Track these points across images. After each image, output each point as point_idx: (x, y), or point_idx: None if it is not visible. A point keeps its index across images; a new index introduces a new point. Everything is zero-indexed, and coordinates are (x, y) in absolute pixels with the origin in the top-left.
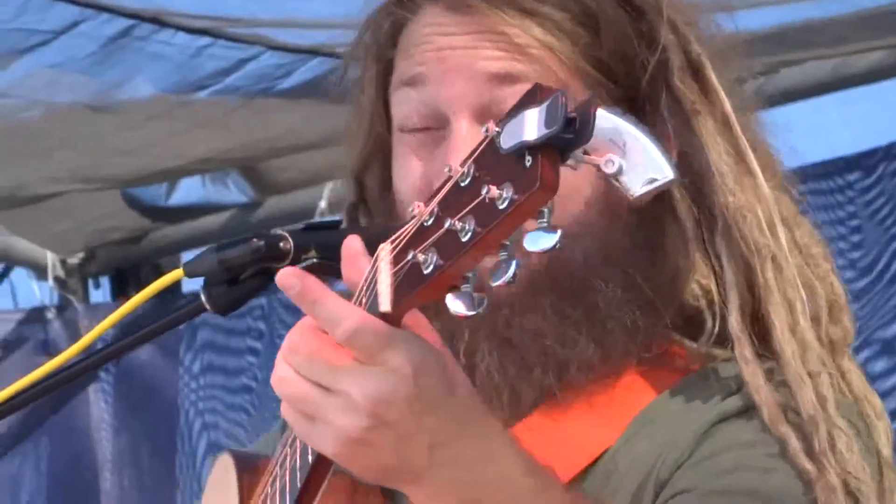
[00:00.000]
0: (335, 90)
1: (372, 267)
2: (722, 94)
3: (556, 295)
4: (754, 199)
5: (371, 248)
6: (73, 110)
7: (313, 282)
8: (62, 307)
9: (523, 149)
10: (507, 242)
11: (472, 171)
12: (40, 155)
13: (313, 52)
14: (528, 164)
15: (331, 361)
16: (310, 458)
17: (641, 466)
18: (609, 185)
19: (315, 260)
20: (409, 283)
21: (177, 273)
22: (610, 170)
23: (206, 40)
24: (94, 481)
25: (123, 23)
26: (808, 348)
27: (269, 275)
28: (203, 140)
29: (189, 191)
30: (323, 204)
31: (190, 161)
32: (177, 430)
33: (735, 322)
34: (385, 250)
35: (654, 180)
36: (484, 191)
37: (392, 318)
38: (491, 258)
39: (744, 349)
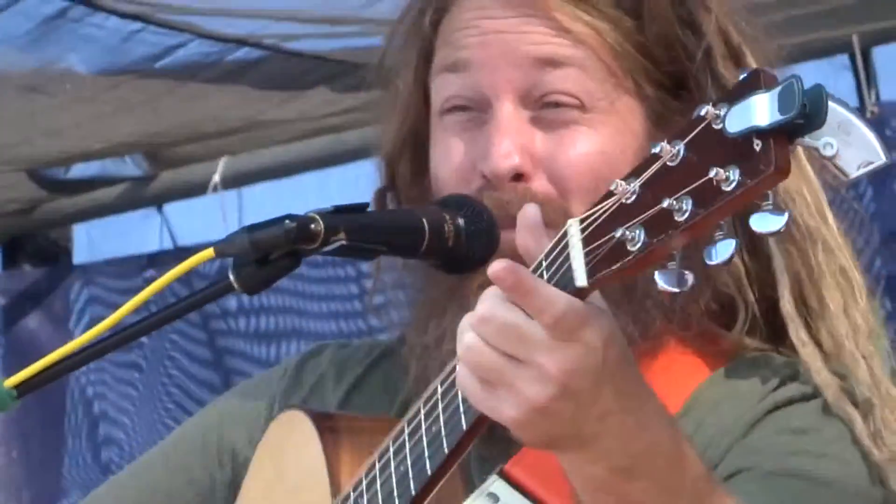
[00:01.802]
0: (257, 80)
1: (560, 240)
2: None
3: None
4: (802, 183)
5: (402, 231)
6: (5, 87)
7: (525, 272)
8: None
9: (752, 133)
10: (723, 223)
11: (682, 152)
12: None
13: (241, 42)
14: (757, 147)
15: (524, 333)
16: (464, 425)
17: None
18: None
19: (344, 242)
20: (610, 259)
21: (207, 252)
22: (829, 152)
23: (137, 25)
24: None
25: (59, 4)
26: (860, 331)
27: (297, 255)
28: (129, 124)
29: (86, 163)
30: (217, 178)
31: (114, 144)
32: (65, 401)
33: (788, 304)
34: (574, 227)
35: (869, 163)
36: (712, 173)
37: (586, 293)
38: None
39: (799, 331)
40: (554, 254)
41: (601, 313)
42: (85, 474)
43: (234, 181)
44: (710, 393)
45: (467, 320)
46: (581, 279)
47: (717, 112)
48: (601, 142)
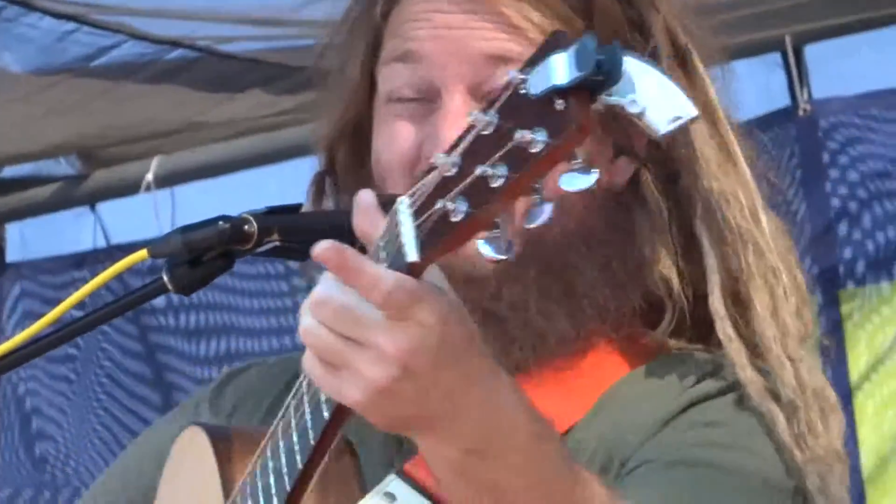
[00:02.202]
0: (191, 82)
1: (392, 220)
2: (708, 83)
3: (538, 269)
4: (737, 184)
5: (334, 231)
6: None
7: (351, 252)
8: None
9: (553, 93)
10: (539, 186)
11: (496, 119)
12: None
13: (175, 43)
14: (559, 107)
15: (359, 315)
16: (325, 414)
17: (606, 445)
18: None
19: (278, 242)
20: (437, 232)
21: (140, 253)
22: (635, 110)
23: (71, 25)
24: None
25: None
26: (788, 333)
27: (231, 256)
28: (63, 124)
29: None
30: (150, 177)
31: (46, 146)
32: None
33: (717, 301)
34: (404, 203)
35: (678, 118)
36: (518, 136)
37: (417, 269)
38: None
39: (726, 328)
40: (388, 233)
41: (437, 292)
42: (17, 470)
43: (168, 180)
44: (627, 390)
45: (305, 304)
46: (412, 254)
47: (523, 76)
48: None
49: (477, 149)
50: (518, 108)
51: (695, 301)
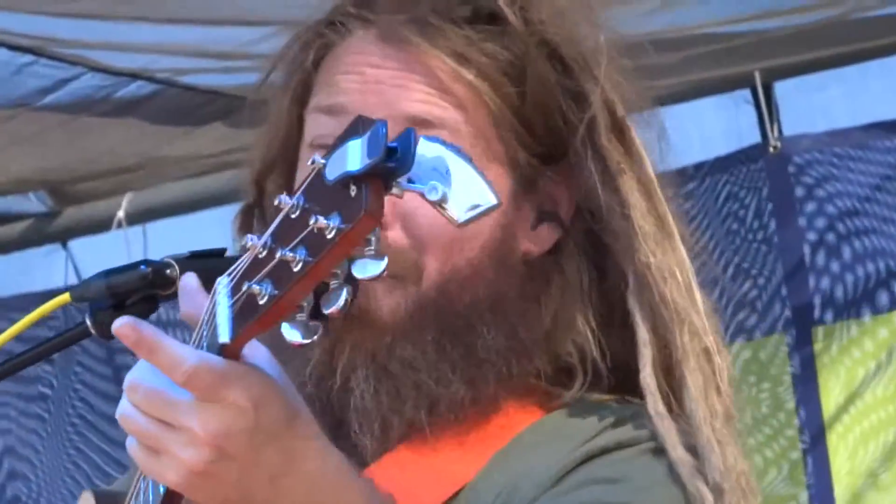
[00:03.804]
0: (151, 114)
1: (211, 300)
2: (645, 156)
3: (438, 331)
4: (674, 261)
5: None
6: None
7: (149, 329)
8: None
9: (348, 179)
10: (338, 271)
11: (301, 202)
12: None
13: (133, 76)
14: (352, 193)
15: (170, 398)
16: (161, 489)
17: (502, 497)
18: (504, 235)
19: None
20: (245, 314)
21: (63, 297)
22: (434, 197)
23: (28, 58)
24: None
25: None
26: (716, 415)
27: (154, 301)
28: (19, 159)
29: None
30: (121, 214)
31: (6, 180)
32: None
33: (648, 377)
34: (223, 283)
35: (477, 206)
36: (312, 221)
37: (232, 349)
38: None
39: (658, 404)
40: (209, 312)
41: (250, 373)
42: None
43: (139, 217)
44: (528, 438)
45: (123, 385)
46: (224, 335)
47: (323, 161)
48: None
49: (283, 232)
50: (319, 192)
51: (614, 368)
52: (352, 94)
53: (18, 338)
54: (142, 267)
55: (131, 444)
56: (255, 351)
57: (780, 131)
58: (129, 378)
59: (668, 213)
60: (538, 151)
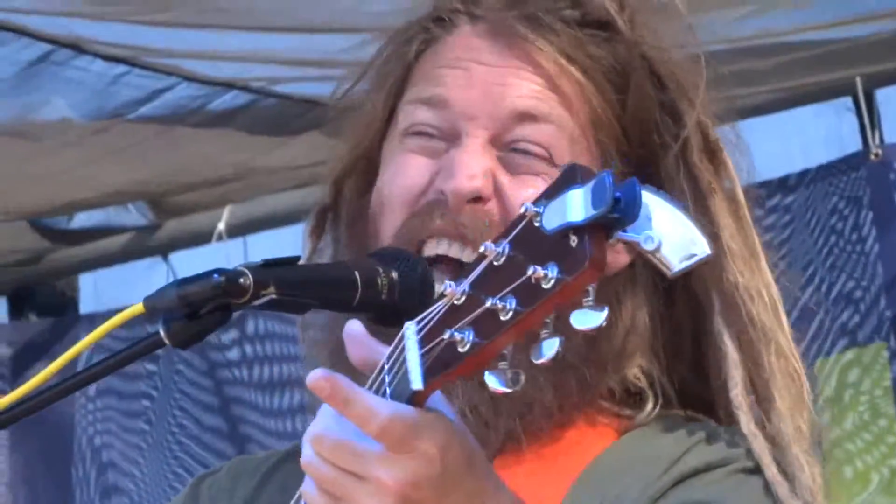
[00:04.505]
0: (246, 125)
1: (398, 344)
2: (736, 179)
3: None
4: (761, 281)
5: (334, 283)
6: None
7: (343, 381)
8: None
9: (568, 229)
10: (549, 320)
11: (507, 250)
12: None
13: (228, 85)
14: (573, 243)
15: (357, 449)
16: None
17: None
18: None
19: (274, 295)
20: (443, 362)
21: (137, 307)
22: (650, 247)
23: (122, 68)
24: None
25: (42, 48)
26: (804, 437)
27: (228, 310)
28: (115, 170)
29: (90, 213)
30: (221, 226)
31: (101, 193)
32: (72, 450)
33: (740, 396)
34: (411, 329)
35: (692, 255)
36: (530, 271)
37: (421, 397)
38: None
39: (750, 424)
40: (393, 357)
41: (436, 419)
42: None
43: (239, 229)
44: (612, 460)
45: (306, 435)
46: (417, 382)
47: (537, 210)
48: None
49: (487, 279)
50: (531, 241)
51: (682, 391)
52: (455, 88)
53: (94, 347)
54: (215, 276)
55: (309, 491)
56: (435, 397)
57: (881, 139)
58: (314, 428)
59: (754, 235)
60: (632, 161)
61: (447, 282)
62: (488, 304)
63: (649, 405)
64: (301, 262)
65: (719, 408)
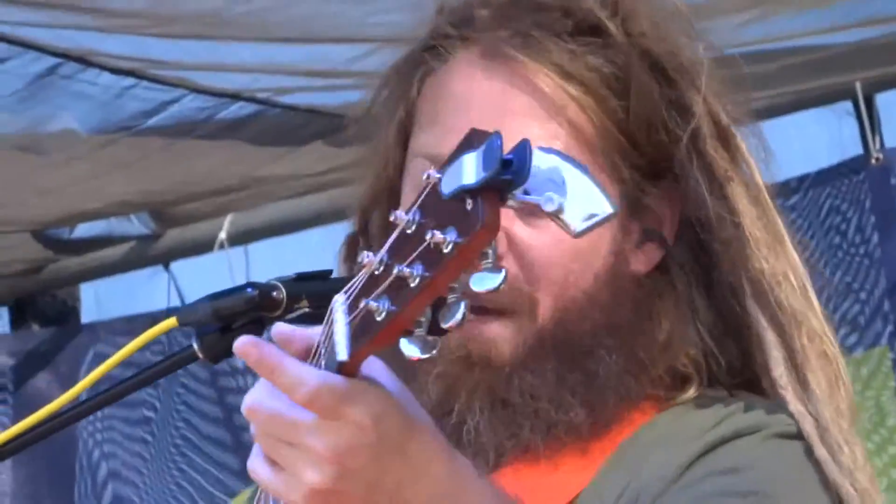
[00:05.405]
0: (252, 135)
1: (328, 318)
2: (752, 163)
3: (558, 360)
4: (788, 265)
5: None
6: None
7: (270, 349)
8: None
9: (463, 193)
10: (456, 285)
11: (416, 217)
12: None
13: (234, 96)
14: (468, 207)
15: (290, 418)
16: None
17: (623, 496)
18: (616, 260)
19: (307, 309)
20: (363, 332)
21: (170, 321)
22: (550, 208)
23: (129, 81)
24: None
25: (50, 61)
26: (843, 416)
27: (261, 324)
28: (122, 182)
29: (92, 223)
30: (223, 235)
31: (108, 204)
32: (76, 460)
33: (784, 377)
34: (339, 301)
35: (593, 215)
36: (428, 236)
37: (350, 367)
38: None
39: (796, 404)
40: (326, 332)
41: (368, 387)
42: None
43: (241, 238)
44: (648, 434)
45: (242, 406)
46: (342, 353)
47: (438, 175)
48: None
49: (399, 248)
50: (435, 207)
51: (729, 375)
52: (459, 117)
53: (124, 363)
54: (248, 290)
55: (254, 460)
56: (372, 365)
57: (881, 143)
58: (248, 400)
59: (777, 219)
60: (642, 167)
61: (365, 252)
62: (398, 271)
63: (693, 387)
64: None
65: (766, 388)
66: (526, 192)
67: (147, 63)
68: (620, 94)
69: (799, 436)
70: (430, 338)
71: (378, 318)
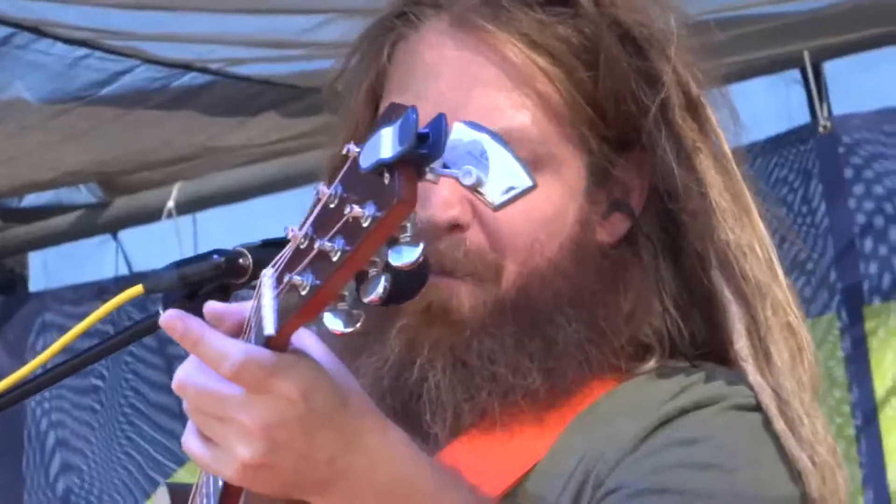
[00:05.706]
0: (205, 105)
1: (257, 292)
2: (720, 133)
3: (518, 325)
4: (753, 236)
5: None
6: None
7: (194, 322)
8: None
9: (381, 167)
10: (377, 259)
11: (338, 191)
12: None
13: (187, 67)
14: (386, 181)
15: (220, 394)
16: (220, 482)
17: (581, 465)
18: (582, 229)
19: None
20: (290, 305)
21: (136, 289)
22: (468, 181)
23: (83, 51)
24: None
25: (4, 31)
26: (805, 388)
27: (227, 291)
28: (76, 152)
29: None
30: (171, 204)
31: (62, 173)
32: (24, 429)
33: (745, 349)
34: (267, 275)
35: (511, 188)
36: (347, 210)
37: (278, 340)
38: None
39: (756, 376)
40: (255, 307)
41: (296, 360)
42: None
43: (189, 206)
44: (607, 404)
45: (173, 383)
46: (269, 327)
47: (357, 149)
48: (540, 201)
49: (322, 222)
50: (354, 181)
51: (693, 345)
52: (426, 80)
53: (81, 334)
54: (214, 256)
55: (187, 435)
56: (303, 338)
57: (829, 111)
58: (178, 375)
59: (744, 190)
60: (610, 138)
61: (291, 227)
62: (320, 245)
63: (654, 357)
64: None
65: (729, 360)
66: (445, 166)
67: (101, 33)
68: (589, 65)
69: (758, 408)
70: (354, 311)
71: (302, 293)
